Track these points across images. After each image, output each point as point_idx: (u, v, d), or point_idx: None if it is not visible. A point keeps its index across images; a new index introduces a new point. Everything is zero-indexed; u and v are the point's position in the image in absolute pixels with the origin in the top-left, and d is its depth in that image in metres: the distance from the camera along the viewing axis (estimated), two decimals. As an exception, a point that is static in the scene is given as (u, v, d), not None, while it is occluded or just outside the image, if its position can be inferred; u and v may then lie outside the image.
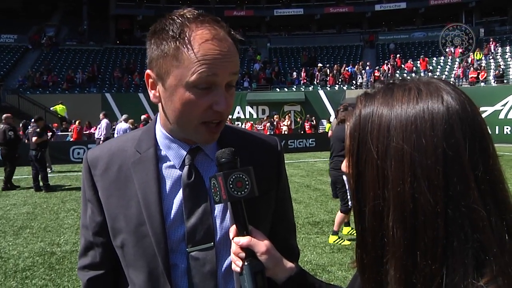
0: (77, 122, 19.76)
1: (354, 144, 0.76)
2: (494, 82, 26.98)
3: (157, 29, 1.04)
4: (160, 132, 1.16)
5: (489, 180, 0.67)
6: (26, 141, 11.95)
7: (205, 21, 1.02)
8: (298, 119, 27.50)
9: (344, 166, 0.82)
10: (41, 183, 10.87)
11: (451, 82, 0.76)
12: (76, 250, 5.84)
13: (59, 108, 24.23)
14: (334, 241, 6.17)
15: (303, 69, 31.70)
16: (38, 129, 11.13)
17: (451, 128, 0.67)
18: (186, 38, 0.99)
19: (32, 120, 12.05)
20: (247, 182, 0.94)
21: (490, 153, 0.69)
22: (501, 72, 27.25)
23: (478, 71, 27.69)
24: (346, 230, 6.63)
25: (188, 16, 1.02)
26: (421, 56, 31.01)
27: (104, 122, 15.65)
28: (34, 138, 10.88)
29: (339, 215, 6.23)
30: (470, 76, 27.27)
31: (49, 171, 14.17)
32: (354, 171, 0.76)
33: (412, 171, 0.67)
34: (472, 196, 0.65)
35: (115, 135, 14.40)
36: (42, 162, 10.99)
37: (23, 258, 5.61)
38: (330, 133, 9.41)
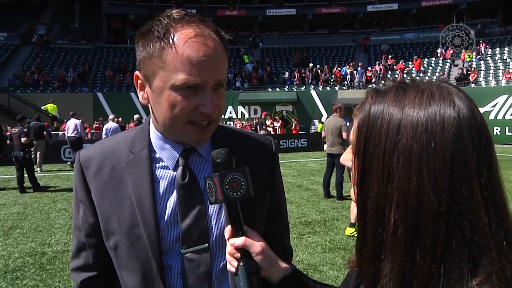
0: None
1: (361, 138, 0.76)
2: (484, 83, 27.20)
3: (144, 30, 1.04)
4: (154, 133, 1.15)
5: (491, 186, 0.68)
6: (8, 141, 11.54)
7: (191, 21, 1.01)
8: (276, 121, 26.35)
9: (344, 158, 0.82)
10: (29, 184, 10.64)
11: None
12: (67, 250, 5.80)
13: (50, 107, 24.05)
14: (351, 233, 6.30)
15: (295, 69, 31.71)
16: (25, 129, 10.76)
17: (460, 133, 0.68)
18: (170, 38, 0.98)
19: (17, 119, 11.62)
20: (243, 183, 0.94)
21: (493, 160, 0.70)
22: (491, 73, 27.47)
23: (469, 71, 27.90)
24: (349, 230, 6.49)
25: (175, 16, 1.01)
26: (414, 57, 31.15)
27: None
28: (23, 139, 10.45)
29: (354, 207, 6.22)
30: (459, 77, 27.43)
31: (39, 171, 14.07)
32: (360, 165, 0.76)
33: (419, 171, 0.68)
34: (476, 201, 0.67)
35: (103, 136, 14.24)
36: (30, 163, 10.73)
37: (14, 259, 5.56)
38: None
